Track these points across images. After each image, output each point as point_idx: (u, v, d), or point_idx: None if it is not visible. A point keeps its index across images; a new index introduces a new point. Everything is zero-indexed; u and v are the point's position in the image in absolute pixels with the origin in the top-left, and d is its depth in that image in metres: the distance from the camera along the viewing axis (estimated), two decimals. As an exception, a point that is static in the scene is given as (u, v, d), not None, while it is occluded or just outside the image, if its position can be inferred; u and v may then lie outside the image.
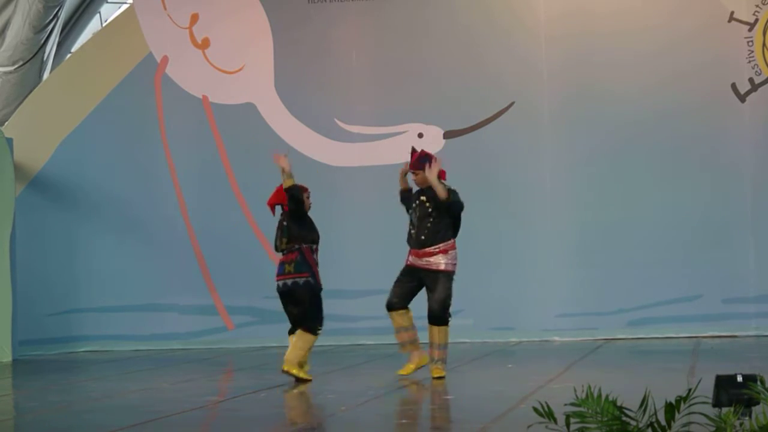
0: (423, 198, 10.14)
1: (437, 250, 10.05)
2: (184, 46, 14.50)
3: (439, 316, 10.00)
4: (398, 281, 10.23)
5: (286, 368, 10.07)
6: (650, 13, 13.75)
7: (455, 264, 10.07)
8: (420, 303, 10.17)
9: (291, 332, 10.37)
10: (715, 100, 13.55)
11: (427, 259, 10.04)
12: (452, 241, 10.10)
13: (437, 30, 14.10)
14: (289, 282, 10.17)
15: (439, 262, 10.03)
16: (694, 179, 13.59)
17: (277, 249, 10.34)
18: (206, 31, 14.50)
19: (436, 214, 10.04)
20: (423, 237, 10.05)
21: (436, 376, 10.03)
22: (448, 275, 10.03)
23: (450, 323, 10.09)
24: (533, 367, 11.05)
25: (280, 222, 10.33)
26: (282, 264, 10.23)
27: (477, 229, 13.78)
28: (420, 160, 10.20)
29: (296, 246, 10.23)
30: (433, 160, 10.07)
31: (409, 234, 10.17)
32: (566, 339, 13.52)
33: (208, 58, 14.49)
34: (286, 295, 10.20)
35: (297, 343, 10.15)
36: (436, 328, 10.03)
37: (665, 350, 12.33)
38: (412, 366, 10.17)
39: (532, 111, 13.84)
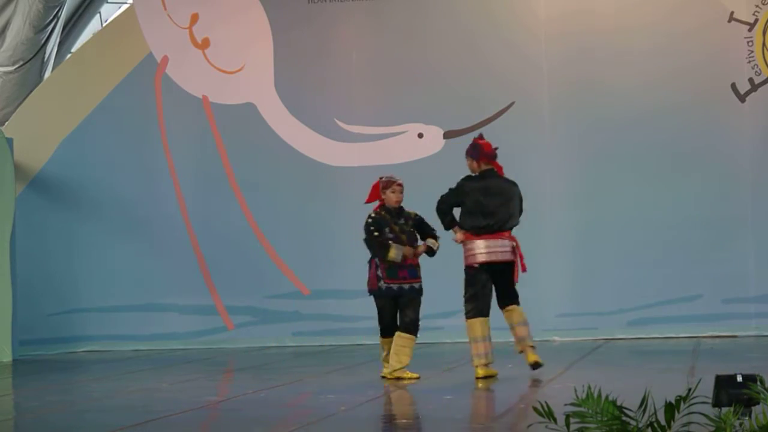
0: None
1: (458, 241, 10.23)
2: (184, 46, 14.50)
3: None
4: None
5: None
6: (650, 12, 13.75)
7: (467, 257, 10.07)
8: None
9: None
10: (715, 99, 13.55)
11: None
12: (467, 232, 10.10)
13: (437, 30, 14.10)
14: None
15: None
16: (694, 179, 13.59)
17: None
18: (206, 31, 14.50)
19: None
20: None
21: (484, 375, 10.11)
22: (465, 270, 10.08)
23: (467, 319, 10.05)
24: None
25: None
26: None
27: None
28: (471, 148, 10.34)
29: None
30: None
31: None
32: (566, 339, 13.52)
33: (208, 58, 14.50)
34: None
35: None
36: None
37: (665, 350, 12.33)
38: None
39: (532, 110, 13.85)
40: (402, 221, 10.24)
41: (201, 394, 9.77)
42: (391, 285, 10.12)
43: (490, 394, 9.16)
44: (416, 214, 10.34)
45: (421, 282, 10.19)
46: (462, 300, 10.06)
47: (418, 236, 10.30)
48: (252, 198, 14.34)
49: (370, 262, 10.28)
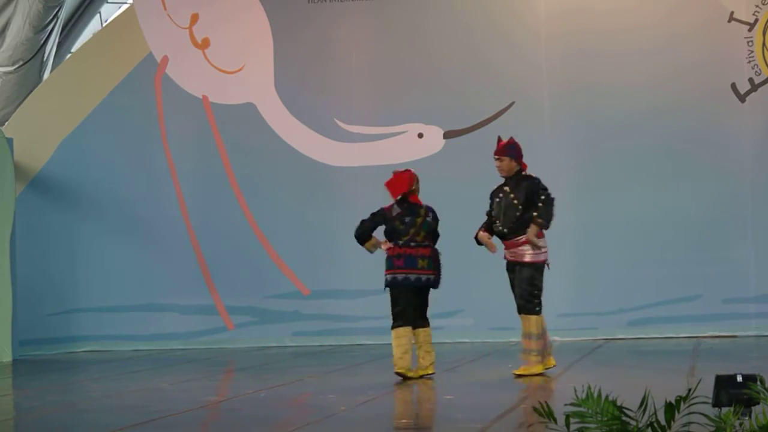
0: (507, 189, 10.10)
1: (522, 240, 10.01)
2: (184, 46, 14.50)
3: (520, 305, 10.04)
4: (511, 283, 10.21)
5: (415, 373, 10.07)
6: (650, 12, 13.76)
7: (543, 253, 10.05)
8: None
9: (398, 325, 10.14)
10: (715, 99, 13.55)
11: (513, 250, 10.04)
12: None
13: (437, 30, 14.11)
14: (423, 277, 10.10)
15: (524, 253, 10.01)
16: (694, 179, 13.59)
17: (401, 240, 10.13)
18: (206, 31, 14.51)
19: (523, 206, 9.98)
20: (506, 230, 10.02)
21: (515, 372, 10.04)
22: (534, 266, 10.00)
23: (539, 315, 10.02)
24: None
25: (421, 214, 10.18)
26: (413, 257, 10.10)
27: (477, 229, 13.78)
28: (507, 148, 10.14)
29: (428, 243, 10.17)
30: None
31: (495, 226, 10.11)
32: (566, 339, 13.52)
33: (208, 58, 14.50)
34: (416, 288, 10.11)
35: (428, 341, 10.16)
36: (521, 317, 10.05)
37: (665, 350, 12.33)
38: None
39: (532, 110, 13.85)
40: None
41: (201, 394, 9.77)
42: None
43: (490, 394, 9.16)
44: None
45: None
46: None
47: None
48: (252, 198, 14.33)
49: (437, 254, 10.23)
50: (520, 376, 9.98)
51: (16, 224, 13.86)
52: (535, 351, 10.03)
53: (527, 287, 10.02)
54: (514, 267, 10.13)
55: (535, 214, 9.99)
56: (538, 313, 10.04)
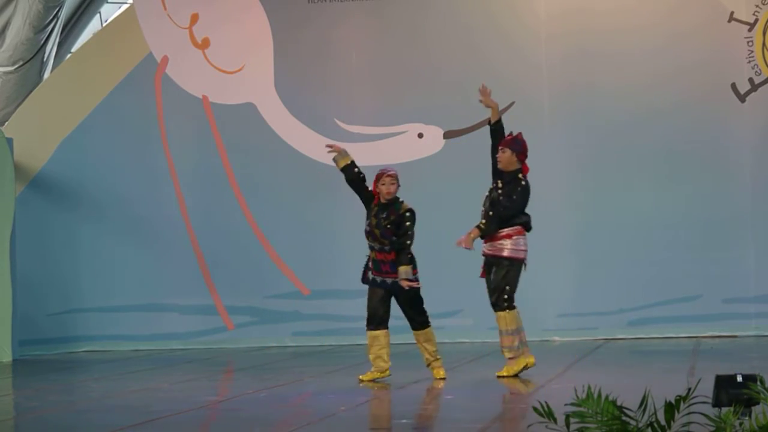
0: (499, 183, 10.06)
1: (501, 234, 9.97)
2: (184, 46, 14.50)
3: (492, 302, 10.03)
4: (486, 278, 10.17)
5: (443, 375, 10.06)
6: (650, 12, 13.76)
7: (522, 251, 9.99)
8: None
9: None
10: (715, 99, 13.55)
11: (492, 243, 10.01)
12: (519, 227, 9.99)
13: (437, 30, 14.11)
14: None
15: (503, 247, 9.97)
16: (694, 179, 13.59)
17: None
18: (206, 31, 14.50)
19: (506, 200, 9.93)
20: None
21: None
22: (511, 262, 9.95)
23: (510, 311, 9.99)
24: (533, 367, 11.04)
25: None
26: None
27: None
28: (513, 141, 10.07)
29: None
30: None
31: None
32: (566, 339, 13.52)
33: (208, 58, 14.50)
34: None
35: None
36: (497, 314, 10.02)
37: (665, 350, 12.34)
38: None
39: (532, 110, 13.84)
40: (384, 215, 9.92)
41: (201, 394, 9.77)
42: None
43: (490, 394, 9.16)
44: (406, 212, 9.92)
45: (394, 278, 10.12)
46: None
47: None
48: (252, 198, 14.33)
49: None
50: (501, 377, 9.96)
51: (16, 224, 13.85)
52: (507, 348, 9.99)
53: (500, 282, 9.98)
54: (492, 261, 10.07)
55: (483, 221, 9.92)
56: (505, 309, 9.97)
